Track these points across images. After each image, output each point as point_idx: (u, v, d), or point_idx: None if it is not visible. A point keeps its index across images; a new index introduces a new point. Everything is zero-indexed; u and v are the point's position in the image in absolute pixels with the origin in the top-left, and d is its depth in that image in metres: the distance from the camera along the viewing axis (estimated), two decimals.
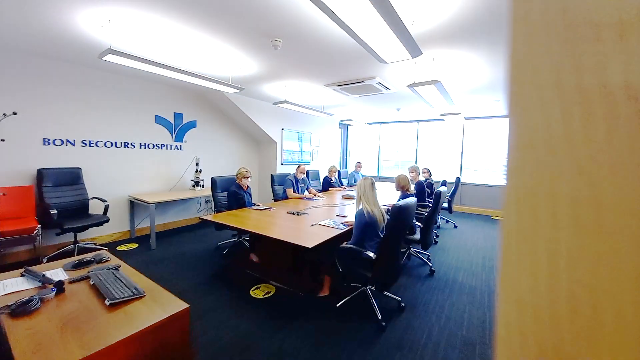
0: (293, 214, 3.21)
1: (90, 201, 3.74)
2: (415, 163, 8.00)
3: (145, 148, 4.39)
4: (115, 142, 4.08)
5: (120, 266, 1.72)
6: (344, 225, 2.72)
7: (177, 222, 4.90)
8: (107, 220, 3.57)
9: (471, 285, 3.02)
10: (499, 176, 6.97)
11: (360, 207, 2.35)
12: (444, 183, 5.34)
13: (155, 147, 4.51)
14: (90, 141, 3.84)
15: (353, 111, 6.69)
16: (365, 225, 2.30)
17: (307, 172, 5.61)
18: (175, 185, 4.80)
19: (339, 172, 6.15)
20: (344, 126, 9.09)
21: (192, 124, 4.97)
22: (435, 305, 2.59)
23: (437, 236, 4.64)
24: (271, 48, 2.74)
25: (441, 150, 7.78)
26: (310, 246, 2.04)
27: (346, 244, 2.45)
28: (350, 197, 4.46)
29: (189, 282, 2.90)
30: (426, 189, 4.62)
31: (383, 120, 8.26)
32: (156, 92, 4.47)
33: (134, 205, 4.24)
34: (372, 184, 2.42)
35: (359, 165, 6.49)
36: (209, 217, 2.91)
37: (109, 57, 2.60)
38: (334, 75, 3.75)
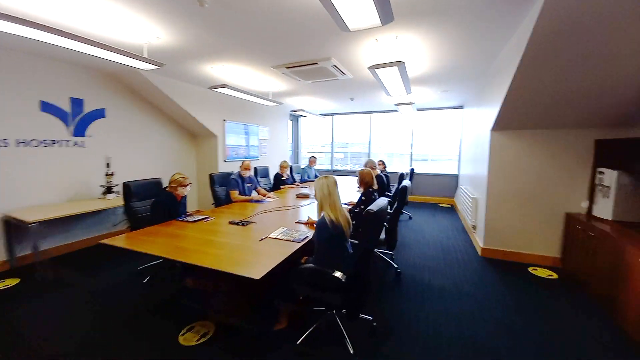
0: (237, 224, 2.56)
1: None
2: (369, 155, 7.86)
3: (25, 145, 3.19)
4: None
5: None
6: (301, 236, 2.19)
7: (87, 241, 3.78)
8: None
9: (440, 286, 2.83)
10: (445, 165, 7.20)
11: (322, 216, 1.86)
12: (401, 176, 5.17)
13: (42, 143, 3.33)
14: None
15: (305, 101, 6.13)
16: (329, 237, 1.82)
17: (255, 169, 4.92)
18: (77, 193, 3.67)
19: (290, 167, 5.57)
20: (295, 118, 8.49)
21: (98, 114, 3.83)
22: (410, 320, 2.26)
23: None
24: (195, 4, 2.02)
25: (392, 142, 7.77)
26: (257, 277, 1.47)
27: (306, 262, 1.94)
28: (305, 196, 3.96)
29: (81, 333, 2.05)
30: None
31: (336, 111, 7.89)
32: (42, 71, 3.27)
33: (13, 227, 3.06)
34: (335, 184, 1.94)
35: (312, 160, 5.97)
36: (115, 242, 2.07)
37: None
38: (282, 54, 3.12)
